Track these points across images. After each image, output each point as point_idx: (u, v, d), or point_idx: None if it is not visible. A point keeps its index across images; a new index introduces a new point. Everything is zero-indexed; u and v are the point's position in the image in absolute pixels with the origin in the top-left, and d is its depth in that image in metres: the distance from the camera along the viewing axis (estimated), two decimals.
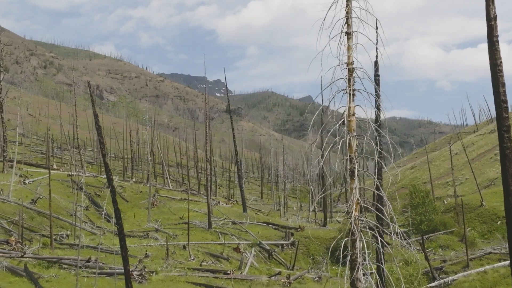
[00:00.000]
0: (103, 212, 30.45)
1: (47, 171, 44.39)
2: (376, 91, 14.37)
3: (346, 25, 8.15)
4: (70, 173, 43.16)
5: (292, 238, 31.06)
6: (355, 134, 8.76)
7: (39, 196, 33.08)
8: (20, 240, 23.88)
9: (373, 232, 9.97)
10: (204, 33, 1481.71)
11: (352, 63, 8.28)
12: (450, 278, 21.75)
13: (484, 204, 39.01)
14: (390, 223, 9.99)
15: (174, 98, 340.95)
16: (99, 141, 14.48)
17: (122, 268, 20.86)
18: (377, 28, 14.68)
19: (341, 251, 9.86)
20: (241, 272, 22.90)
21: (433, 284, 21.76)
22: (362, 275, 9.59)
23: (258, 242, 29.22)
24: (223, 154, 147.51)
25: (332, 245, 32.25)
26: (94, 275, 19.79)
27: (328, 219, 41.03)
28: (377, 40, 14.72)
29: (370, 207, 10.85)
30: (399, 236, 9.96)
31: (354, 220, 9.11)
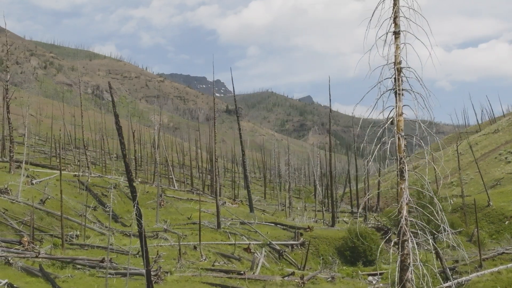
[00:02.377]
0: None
1: (53, 171, 44.41)
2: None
3: (393, 24, 8.12)
4: (76, 173, 43.13)
5: (302, 239, 31.05)
6: (403, 133, 8.72)
7: (48, 196, 33.03)
8: (31, 240, 23.86)
9: (424, 234, 9.90)
10: (205, 33, 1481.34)
11: (400, 62, 8.25)
12: (464, 278, 21.73)
13: (491, 204, 39.04)
14: (441, 224, 9.94)
15: (174, 98, 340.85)
16: (120, 141, 14.46)
17: (136, 268, 20.95)
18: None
19: (391, 252, 9.77)
20: (253, 273, 22.87)
21: (446, 284, 21.71)
22: (413, 276, 9.55)
23: (268, 243, 29.21)
24: (223, 154, 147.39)
25: (340, 246, 32.03)
26: (110, 276, 19.78)
27: (330, 219, 40.93)
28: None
29: (418, 207, 10.74)
30: (450, 237, 9.89)
31: (404, 221, 9.04)
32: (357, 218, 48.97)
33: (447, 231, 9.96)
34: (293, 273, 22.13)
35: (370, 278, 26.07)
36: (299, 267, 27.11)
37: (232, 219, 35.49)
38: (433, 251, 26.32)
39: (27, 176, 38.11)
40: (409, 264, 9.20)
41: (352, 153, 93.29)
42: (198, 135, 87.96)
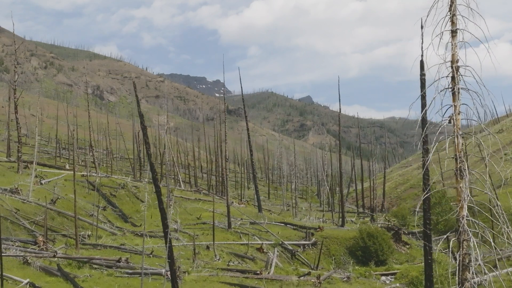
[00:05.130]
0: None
1: (60, 171, 44.43)
2: (422, 91, 14.36)
3: (450, 23, 8.15)
4: (84, 173, 43.13)
5: (313, 238, 31.09)
6: (461, 132, 8.76)
7: (58, 196, 33.06)
8: (46, 240, 23.89)
9: (482, 234, 9.90)
10: (206, 33, 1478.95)
11: (457, 61, 8.28)
12: (479, 278, 21.70)
13: (499, 204, 39.05)
14: (503, 226, 9.92)
15: (174, 98, 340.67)
16: (144, 141, 14.48)
17: (153, 268, 20.99)
18: (422, 27, 14.70)
19: (450, 250, 9.78)
20: (268, 272, 22.90)
21: None
22: (474, 276, 9.56)
23: (281, 242, 29.23)
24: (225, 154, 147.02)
25: (351, 246, 31.97)
26: (127, 275, 19.82)
27: (340, 219, 40.95)
28: (422, 39, 14.74)
29: (476, 207, 10.73)
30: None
31: (465, 220, 9.07)
32: (363, 218, 49.07)
33: (507, 232, 9.93)
34: (309, 273, 22.15)
35: (383, 278, 26.10)
36: (312, 267, 27.13)
37: (241, 219, 35.49)
38: (449, 251, 26.40)
39: (36, 176, 38.12)
40: (468, 263, 9.20)
41: (354, 153, 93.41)
42: (203, 135, 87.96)
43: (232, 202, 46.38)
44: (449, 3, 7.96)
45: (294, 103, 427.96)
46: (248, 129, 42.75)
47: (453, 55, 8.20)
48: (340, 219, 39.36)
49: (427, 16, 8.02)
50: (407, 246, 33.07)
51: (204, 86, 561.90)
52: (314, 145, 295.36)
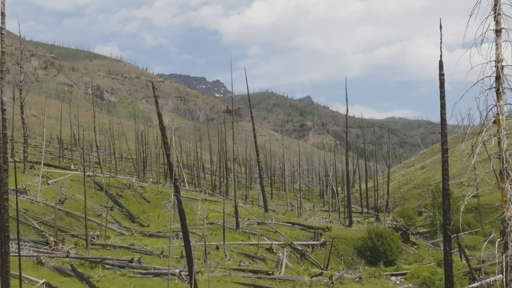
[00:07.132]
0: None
1: (66, 171, 44.42)
2: (441, 92, 14.34)
3: (495, 22, 8.13)
4: (89, 173, 43.11)
5: (322, 239, 31.07)
6: (505, 132, 8.74)
7: (66, 196, 33.07)
8: (57, 240, 23.88)
9: None
10: (207, 33, 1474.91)
11: (501, 60, 8.25)
12: (492, 278, 21.73)
13: None
14: None
15: (174, 98, 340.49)
16: (163, 141, 14.47)
17: (165, 268, 20.94)
18: (441, 28, 14.68)
19: (488, 251, 9.74)
20: (279, 273, 22.89)
21: (474, 284, 21.76)
22: None
23: (290, 243, 29.21)
24: (226, 154, 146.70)
25: (360, 246, 31.97)
26: (141, 276, 19.79)
27: (346, 219, 40.98)
28: (441, 39, 14.73)
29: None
30: None
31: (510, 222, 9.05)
32: (367, 218, 49.08)
33: None
34: (321, 273, 22.15)
35: (393, 278, 26.09)
36: (322, 267, 27.11)
37: (249, 219, 35.47)
38: (460, 252, 26.37)
39: (42, 176, 38.07)
40: None
41: (358, 154, 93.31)
42: (204, 135, 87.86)
43: (238, 202, 46.37)
44: (493, 3, 7.94)
45: (294, 103, 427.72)
46: (254, 130, 42.71)
47: (497, 54, 8.18)
48: (347, 219, 39.37)
49: (470, 16, 8.01)
50: (415, 246, 33.07)
51: (204, 86, 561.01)
52: (314, 145, 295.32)
